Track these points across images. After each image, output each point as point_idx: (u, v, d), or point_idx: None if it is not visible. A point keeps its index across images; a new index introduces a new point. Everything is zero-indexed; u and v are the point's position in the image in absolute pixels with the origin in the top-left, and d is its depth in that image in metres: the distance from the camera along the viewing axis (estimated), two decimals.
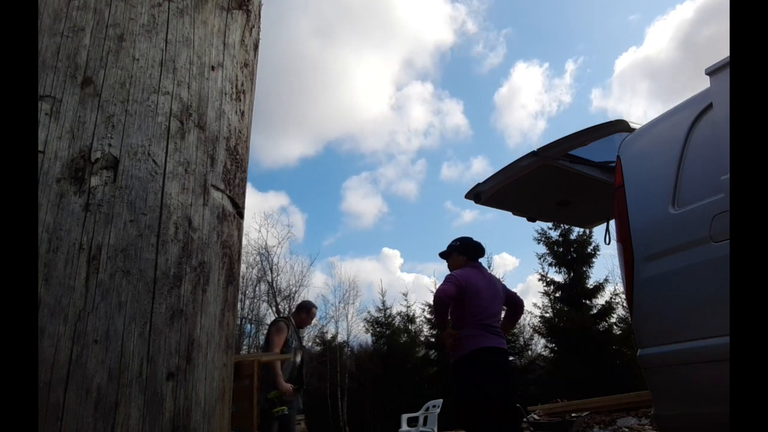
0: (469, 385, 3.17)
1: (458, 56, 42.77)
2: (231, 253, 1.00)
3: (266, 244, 23.69)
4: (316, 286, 46.02)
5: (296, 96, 38.19)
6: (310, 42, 38.99)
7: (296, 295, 23.79)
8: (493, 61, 43.36)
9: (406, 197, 41.67)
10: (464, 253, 3.61)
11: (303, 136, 40.71)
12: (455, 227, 40.63)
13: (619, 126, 3.15)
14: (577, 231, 17.69)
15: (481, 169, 41.53)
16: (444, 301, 3.26)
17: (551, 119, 41.52)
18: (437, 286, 3.32)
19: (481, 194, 4.07)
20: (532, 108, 42.21)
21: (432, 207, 43.50)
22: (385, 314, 22.10)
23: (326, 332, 23.89)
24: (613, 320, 17.06)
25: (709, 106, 2.35)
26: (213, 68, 1.03)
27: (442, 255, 3.76)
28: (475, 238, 3.73)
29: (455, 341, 3.28)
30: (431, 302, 19.43)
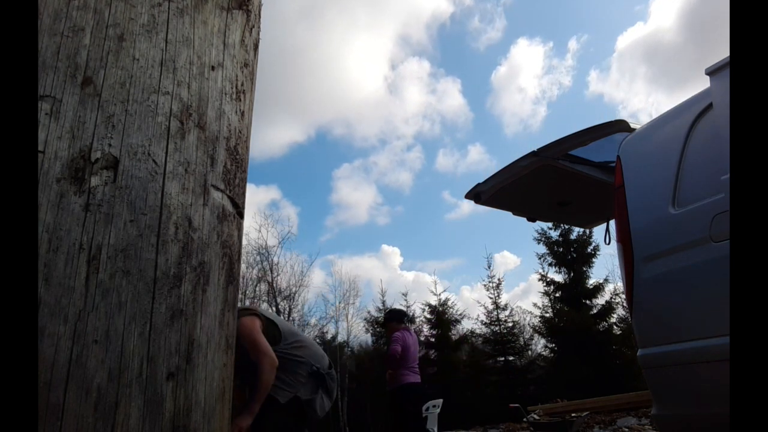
0: (403, 408, 5.20)
1: (454, 31, 41.18)
2: (231, 253, 1.00)
3: (266, 244, 23.69)
4: (316, 286, 45.72)
5: (285, 80, 36.56)
6: (298, 21, 37.30)
7: (296, 295, 23.79)
8: (492, 36, 41.72)
9: (401, 188, 40.31)
10: (398, 321, 5.62)
11: (293, 122, 39.22)
12: (453, 220, 39.28)
13: (619, 126, 3.15)
14: (577, 231, 17.69)
15: (478, 157, 40.40)
16: (396, 357, 5.26)
17: (551, 104, 40.36)
18: (391, 347, 5.29)
19: (481, 194, 4.07)
20: (532, 92, 40.80)
21: (428, 198, 42.27)
22: (385, 314, 22.08)
23: (326, 332, 23.91)
24: (613, 320, 17.06)
25: (709, 106, 2.35)
26: (213, 68, 1.03)
27: (383, 325, 6.05)
28: (399, 307, 5.58)
29: (393, 378, 5.27)
30: (431, 302, 19.51)
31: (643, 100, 38.53)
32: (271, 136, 36.73)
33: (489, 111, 41.51)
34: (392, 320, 5.72)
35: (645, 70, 39.02)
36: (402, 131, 40.41)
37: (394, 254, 39.30)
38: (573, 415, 8.82)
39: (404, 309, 7.35)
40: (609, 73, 41.69)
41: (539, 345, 19.29)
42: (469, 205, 40.15)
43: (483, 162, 39.99)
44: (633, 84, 39.16)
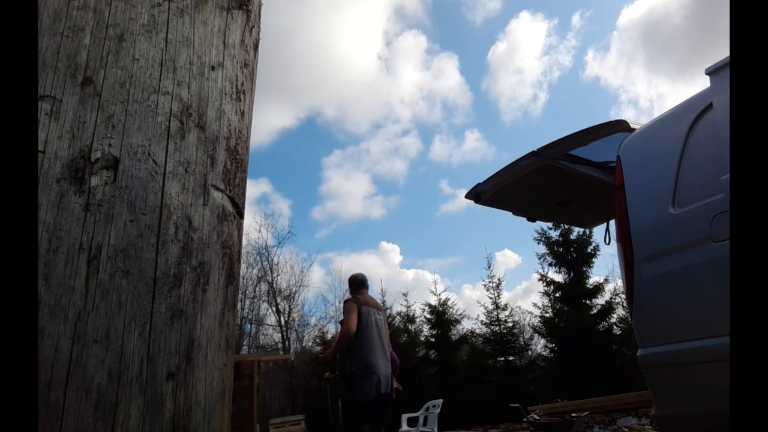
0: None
1: (450, 1, 39.21)
2: (231, 253, 1.00)
3: (266, 244, 23.69)
4: (316, 286, 45.35)
5: (275, 61, 34.20)
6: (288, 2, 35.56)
7: (296, 294, 23.81)
8: (490, 8, 39.61)
9: (396, 178, 38.67)
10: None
11: (282, 106, 37.25)
12: (452, 212, 37.62)
13: (619, 126, 3.15)
14: (577, 231, 17.66)
15: (475, 144, 39.03)
16: None
17: (552, 88, 38.69)
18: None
19: (481, 194, 4.08)
20: (532, 75, 38.86)
21: (425, 189, 40.76)
22: (384, 314, 22.04)
23: (326, 332, 23.89)
24: (613, 320, 17.02)
25: (709, 106, 2.35)
26: (213, 68, 1.03)
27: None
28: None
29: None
30: (431, 302, 19.53)
31: (644, 84, 37.57)
32: (259, 121, 34.81)
33: (485, 94, 39.85)
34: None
35: (644, 53, 37.80)
36: (398, 114, 38.34)
37: (393, 252, 38.47)
38: (573, 415, 8.82)
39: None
40: (608, 54, 40.15)
41: (539, 345, 19.27)
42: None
43: (480, 149, 38.32)
44: (630, 67, 38.20)
